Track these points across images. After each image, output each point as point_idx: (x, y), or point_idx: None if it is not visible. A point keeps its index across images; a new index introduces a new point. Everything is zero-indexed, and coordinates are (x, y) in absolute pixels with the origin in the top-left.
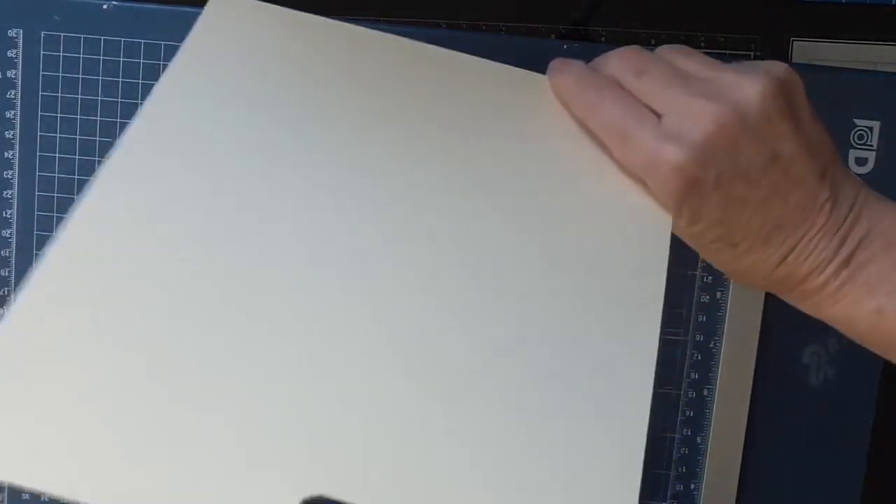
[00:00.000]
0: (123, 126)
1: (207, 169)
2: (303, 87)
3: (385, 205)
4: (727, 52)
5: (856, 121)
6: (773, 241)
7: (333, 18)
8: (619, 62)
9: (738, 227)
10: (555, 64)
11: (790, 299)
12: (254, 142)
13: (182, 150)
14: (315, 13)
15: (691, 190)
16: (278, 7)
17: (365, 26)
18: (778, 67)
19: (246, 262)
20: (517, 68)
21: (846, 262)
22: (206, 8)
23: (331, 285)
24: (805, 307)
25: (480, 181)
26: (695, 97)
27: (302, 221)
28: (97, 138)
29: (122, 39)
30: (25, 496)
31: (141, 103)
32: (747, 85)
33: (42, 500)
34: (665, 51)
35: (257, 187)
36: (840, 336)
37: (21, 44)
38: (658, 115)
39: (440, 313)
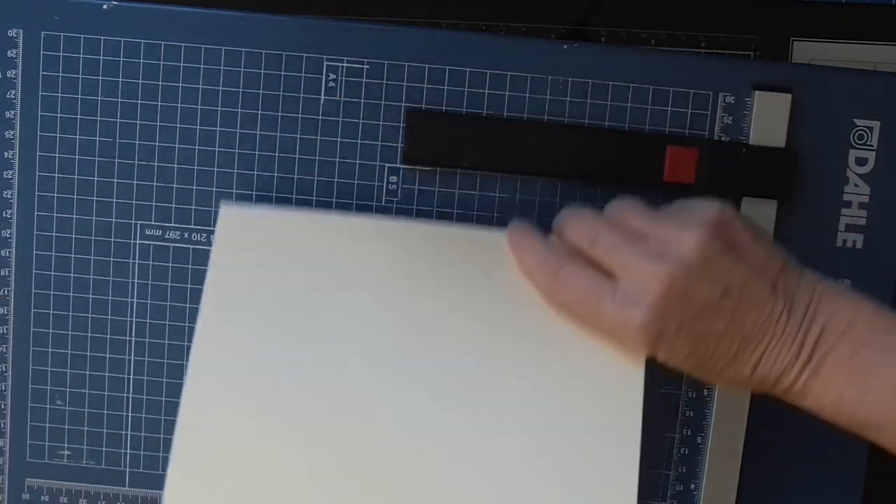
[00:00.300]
0: (123, 126)
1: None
2: (315, 288)
3: (401, 389)
4: (727, 51)
5: (856, 121)
6: (742, 357)
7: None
8: (574, 232)
9: (706, 355)
10: (513, 237)
11: (775, 395)
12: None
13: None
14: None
15: (658, 341)
16: (279, 211)
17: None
18: (708, 211)
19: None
20: (489, 232)
21: (808, 361)
22: (218, 225)
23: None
24: (787, 401)
25: (472, 350)
26: (644, 259)
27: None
28: (97, 138)
29: (122, 39)
30: (25, 496)
31: (140, 103)
32: (685, 238)
33: (42, 500)
34: (614, 209)
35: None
36: None
37: (21, 44)
38: (615, 277)
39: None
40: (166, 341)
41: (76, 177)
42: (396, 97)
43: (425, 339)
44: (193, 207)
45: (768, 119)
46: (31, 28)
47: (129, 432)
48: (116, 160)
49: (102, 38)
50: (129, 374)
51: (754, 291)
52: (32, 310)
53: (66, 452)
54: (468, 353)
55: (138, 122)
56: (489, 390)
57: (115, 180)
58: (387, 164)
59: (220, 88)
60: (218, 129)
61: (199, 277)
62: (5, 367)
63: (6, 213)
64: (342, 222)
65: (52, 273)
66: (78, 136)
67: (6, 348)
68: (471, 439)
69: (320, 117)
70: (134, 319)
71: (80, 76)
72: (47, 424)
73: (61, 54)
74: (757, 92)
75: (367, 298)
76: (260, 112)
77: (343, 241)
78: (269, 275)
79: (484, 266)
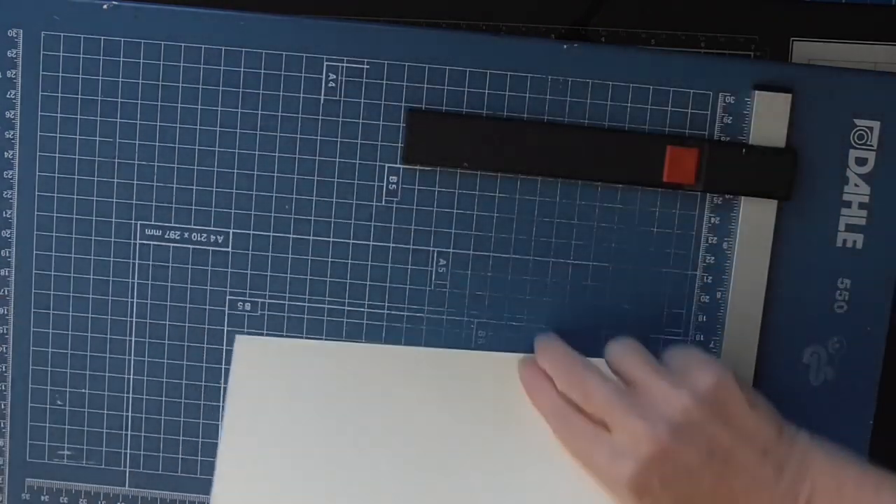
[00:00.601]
0: (123, 126)
1: None
2: (330, 413)
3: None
4: (727, 52)
5: (856, 121)
6: None
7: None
8: (566, 386)
9: None
10: (525, 377)
11: None
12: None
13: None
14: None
15: (644, 494)
16: (292, 341)
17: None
18: (705, 376)
19: None
20: (492, 355)
21: None
22: (233, 356)
23: None
24: None
25: (480, 470)
26: (633, 417)
27: None
28: (97, 138)
29: (122, 39)
30: (25, 496)
31: (140, 103)
32: (675, 400)
33: (42, 500)
34: (615, 353)
35: None
36: (840, 336)
37: (21, 44)
38: (609, 430)
39: None
40: (166, 341)
41: (76, 177)
42: (396, 97)
43: (435, 458)
44: (193, 207)
45: (768, 119)
46: (31, 28)
47: (129, 432)
48: (116, 160)
49: (102, 38)
50: (129, 374)
51: (741, 457)
52: (32, 310)
53: (66, 452)
54: (476, 474)
55: (138, 122)
56: None
57: (115, 180)
58: (387, 164)
59: (220, 88)
60: (218, 129)
61: (199, 277)
62: (5, 367)
63: (6, 213)
64: (353, 350)
65: (52, 273)
66: (78, 136)
67: (6, 348)
68: None
69: (320, 117)
70: (134, 319)
71: (80, 76)
72: (47, 424)
73: (61, 54)
74: (757, 92)
75: (380, 422)
76: (260, 112)
77: (355, 368)
78: (284, 401)
79: (489, 387)
